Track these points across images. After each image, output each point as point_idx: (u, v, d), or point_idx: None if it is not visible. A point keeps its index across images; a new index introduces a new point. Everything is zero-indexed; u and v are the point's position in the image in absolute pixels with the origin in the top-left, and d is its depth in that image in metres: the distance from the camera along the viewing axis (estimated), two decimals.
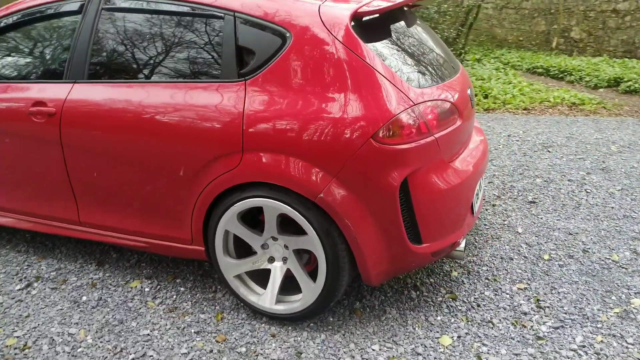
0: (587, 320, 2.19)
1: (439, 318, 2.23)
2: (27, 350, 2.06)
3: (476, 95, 6.51)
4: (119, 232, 2.47)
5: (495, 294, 2.39)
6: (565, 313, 2.24)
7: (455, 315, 2.25)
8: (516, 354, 2.00)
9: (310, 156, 1.94)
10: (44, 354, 2.03)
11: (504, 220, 3.13)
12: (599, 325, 2.16)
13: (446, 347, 2.05)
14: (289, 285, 2.18)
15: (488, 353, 2.01)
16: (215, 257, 2.23)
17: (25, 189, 2.64)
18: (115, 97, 2.26)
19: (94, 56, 2.36)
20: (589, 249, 2.77)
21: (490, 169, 3.98)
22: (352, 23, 1.99)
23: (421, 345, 2.06)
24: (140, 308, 2.32)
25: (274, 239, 2.12)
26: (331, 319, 2.23)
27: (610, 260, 2.65)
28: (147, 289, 2.46)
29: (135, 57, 2.30)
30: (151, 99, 2.17)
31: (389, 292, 2.42)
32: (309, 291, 2.09)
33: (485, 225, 3.08)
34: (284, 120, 1.96)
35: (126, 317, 2.25)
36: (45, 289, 2.48)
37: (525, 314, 2.25)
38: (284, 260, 2.15)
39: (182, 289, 2.47)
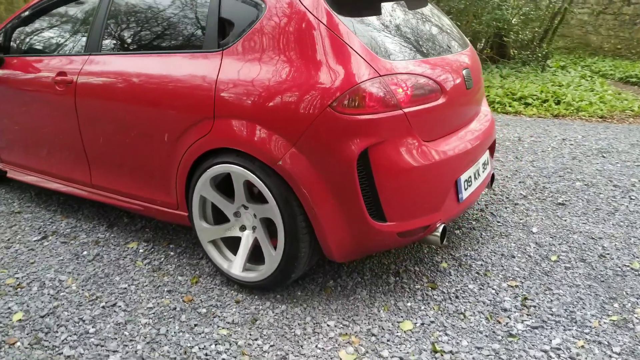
0: (573, 324, 1.97)
1: (409, 304, 2.13)
2: (19, 289, 2.27)
3: (546, 100, 6.11)
4: (120, 194, 2.64)
5: (480, 289, 2.23)
6: (551, 314, 2.03)
7: (428, 303, 2.13)
8: (478, 347, 1.85)
9: (273, 123, 1.95)
10: (31, 294, 2.23)
11: (520, 219, 2.90)
12: (586, 331, 1.93)
13: (404, 332, 1.95)
14: (261, 257, 2.20)
15: (446, 343, 1.88)
16: (192, 222, 2.31)
17: (50, 152, 2.92)
18: (114, 69, 2.45)
19: (105, 31, 2.57)
20: (608, 254, 2.48)
21: (527, 169, 3.71)
22: None
23: (379, 327, 1.98)
24: (128, 266, 2.46)
25: (245, 207, 2.15)
26: (299, 293, 2.21)
27: (628, 268, 2.35)
28: (141, 250, 2.61)
29: (132, 32, 2.47)
30: (141, 69, 2.33)
31: (367, 275, 2.35)
32: (270, 260, 2.09)
33: (497, 222, 2.87)
34: (251, 88, 1.99)
35: (113, 272, 2.41)
36: (56, 242, 2.72)
37: (505, 310, 2.07)
38: (254, 229, 2.17)
39: (172, 253, 2.58)
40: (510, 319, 2.01)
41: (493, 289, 2.22)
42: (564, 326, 1.96)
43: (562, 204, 3.09)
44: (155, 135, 2.31)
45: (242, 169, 2.03)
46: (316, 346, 1.87)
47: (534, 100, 6.27)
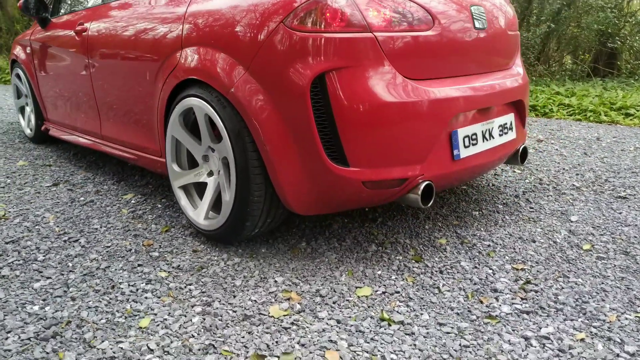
0: (580, 315, 1.50)
1: (378, 272, 1.79)
2: (2, 219, 2.31)
3: None
4: (120, 144, 2.63)
5: (474, 267, 1.82)
6: (554, 302, 1.58)
7: (401, 274, 1.78)
8: (440, 323, 1.47)
9: (229, 46, 1.77)
10: (10, 224, 2.25)
11: (560, 207, 2.39)
12: (595, 324, 1.46)
13: (358, 297, 1.62)
14: None
15: (401, 314, 1.52)
16: (166, 165, 2.19)
17: (75, 107, 3.02)
18: (111, 14, 2.45)
19: None
20: None
21: (592, 164, 3.11)
22: None
23: (331, 289, 1.68)
24: (112, 212, 2.41)
25: (212, 150, 1.99)
26: (263, 250, 1.98)
27: None
28: (133, 202, 2.55)
29: None
30: (132, 12, 2.30)
31: (347, 242, 2.04)
32: (225, 206, 1.89)
33: (530, 208, 2.39)
34: (214, 9, 1.84)
35: (95, 215, 2.37)
36: (63, 189, 2.77)
37: (495, 290, 1.65)
38: (219, 173, 1.99)
39: (159, 205, 2.49)
40: (497, 300, 1.60)
41: (491, 269, 1.80)
42: (566, 316, 1.50)
43: (624, 198, 2.50)
44: (140, 78, 2.25)
45: (202, 101, 1.87)
46: (249, 298, 1.62)
47: (638, 111, 5.40)
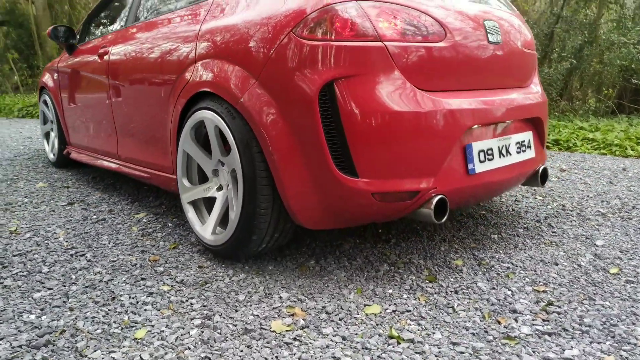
0: (608, 338, 1.38)
1: (389, 291, 1.70)
2: (14, 234, 2.31)
3: None
4: (135, 163, 2.64)
5: (492, 288, 1.71)
6: (579, 324, 1.46)
7: (414, 293, 1.68)
8: (453, 343, 1.37)
9: (239, 58, 1.77)
10: (21, 238, 2.24)
11: (585, 232, 2.27)
12: (625, 347, 1.33)
13: (366, 315, 1.53)
14: None
15: (412, 332, 1.42)
16: (177, 180, 2.17)
17: (96, 128, 3.07)
18: (131, 37, 2.52)
19: (140, 4, 2.68)
20: None
21: (618, 192, 2.98)
22: None
23: (338, 306, 1.59)
24: (121, 229, 2.39)
25: (222, 163, 1.96)
26: (270, 267, 1.91)
27: None
28: (144, 220, 2.53)
29: (153, 2, 2.55)
30: (145, 35, 2.37)
31: (357, 261, 1.96)
32: (233, 219, 1.84)
33: (553, 232, 2.28)
34: (225, 25, 1.86)
35: (105, 232, 2.35)
36: (77, 208, 2.78)
37: (514, 311, 1.54)
38: (228, 188, 1.96)
39: (170, 224, 2.46)
40: (516, 321, 1.48)
41: (510, 290, 1.69)
42: (592, 338, 1.38)
43: None
44: (154, 96, 2.28)
45: (212, 113, 1.86)
46: (251, 313, 1.55)
47: None
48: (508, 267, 1.89)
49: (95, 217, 2.60)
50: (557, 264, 1.91)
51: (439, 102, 1.67)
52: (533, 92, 2.14)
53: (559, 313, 1.53)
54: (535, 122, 2.13)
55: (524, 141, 2.04)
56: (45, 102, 4.03)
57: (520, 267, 1.89)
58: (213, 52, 1.88)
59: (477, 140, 1.81)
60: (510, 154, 1.95)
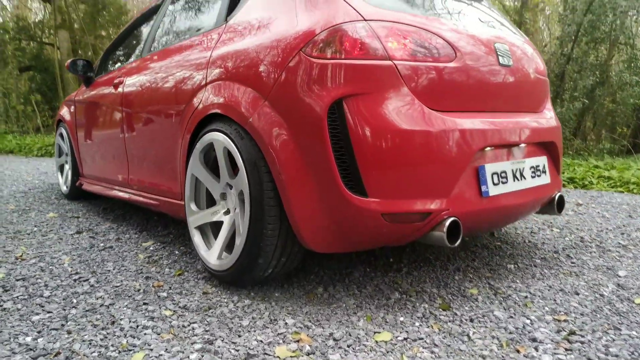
0: None
1: (401, 319, 1.61)
2: (20, 260, 2.28)
3: None
4: (145, 190, 2.63)
5: (510, 317, 1.62)
6: (604, 354, 1.36)
7: (426, 321, 1.60)
8: None
9: (249, 79, 1.78)
10: (26, 264, 2.21)
11: (605, 263, 2.17)
12: None
13: (376, 342, 1.45)
14: None
15: (423, 359, 1.34)
16: (185, 204, 2.14)
17: (108, 158, 3.09)
18: (146, 66, 2.57)
19: (154, 36, 2.75)
20: None
21: (639, 224, 2.88)
22: None
23: (346, 332, 1.51)
24: (128, 257, 2.35)
25: (230, 187, 1.94)
26: (277, 294, 1.84)
27: None
28: (151, 248, 2.49)
29: (166, 33, 2.61)
30: (159, 64, 2.42)
31: (367, 289, 1.89)
32: (239, 242, 1.79)
33: (572, 263, 2.18)
34: (236, 49, 1.88)
35: (111, 259, 2.31)
36: (86, 236, 2.75)
37: (534, 340, 1.45)
38: (235, 211, 1.92)
39: (177, 252, 2.41)
40: (536, 350, 1.39)
41: (528, 319, 1.60)
42: None
43: None
44: (165, 123, 2.30)
45: (222, 134, 1.85)
46: (255, 338, 1.47)
47: None
48: (526, 297, 1.79)
49: (102, 244, 2.56)
50: (578, 294, 1.81)
51: (450, 122, 1.64)
52: (546, 117, 2.11)
53: (582, 342, 1.43)
54: (550, 147, 2.08)
55: (538, 166, 1.99)
56: (61, 135, 4.10)
57: (539, 296, 1.80)
58: (224, 76, 1.90)
59: (490, 162, 1.76)
60: (525, 178, 1.90)
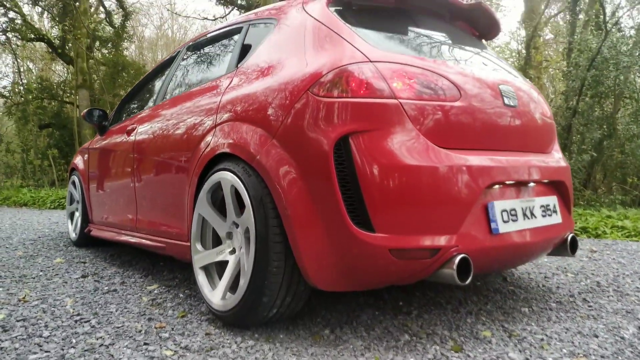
0: None
1: (410, 359, 1.54)
2: (22, 302, 2.25)
3: None
4: (151, 233, 2.63)
5: (525, 358, 1.54)
6: None
7: None
8: None
9: (257, 119, 1.82)
10: (28, 305, 2.18)
11: (624, 307, 2.09)
12: None
13: None
14: None
15: None
16: (190, 243, 2.13)
17: (119, 203, 3.12)
18: (158, 113, 2.65)
19: (167, 87, 2.85)
20: None
21: None
22: (330, 5, 1.95)
23: None
24: (131, 299, 2.31)
25: (236, 225, 1.93)
26: (281, 336, 1.78)
27: None
28: (155, 291, 2.45)
29: (179, 83, 2.71)
30: (171, 110, 2.50)
31: (376, 331, 1.82)
32: (244, 280, 1.76)
33: (589, 306, 2.10)
34: (245, 93, 1.93)
35: (114, 302, 2.27)
36: (91, 280, 2.72)
37: None
38: (241, 250, 1.90)
39: (181, 295, 2.37)
40: None
41: (542, 358, 1.52)
42: None
43: None
44: (174, 167, 2.33)
45: (230, 173, 1.87)
46: None
47: None
48: (542, 339, 1.71)
49: (106, 288, 2.53)
50: (597, 336, 1.73)
51: (456, 158, 1.64)
52: (554, 158, 2.11)
53: None
54: (559, 187, 2.06)
55: (548, 205, 1.96)
56: (73, 183, 4.16)
57: (556, 338, 1.72)
58: (233, 117, 1.94)
59: (499, 199, 1.75)
60: (535, 217, 1.87)
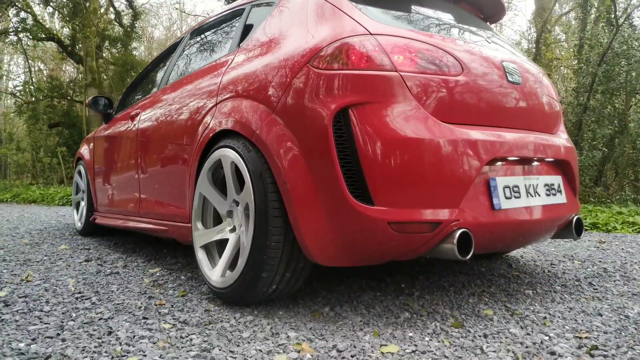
0: None
1: (410, 334, 1.52)
2: (26, 281, 2.26)
3: None
4: (154, 217, 2.63)
5: (527, 333, 1.51)
6: None
7: (437, 336, 1.50)
8: None
9: (257, 95, 1.81)
10: (30, 284, 2.19)
11: (630, 290, 2.05)
12: None
13: (382, 354, 1.36)
14: None
15: None
16: (192, 222, 2.12)
17: (122, 188, 3.13)
18: (160, 97, 2.65)
19: (170, 72, 2.85)
20: None
21: None
22: None
23: (350, 345, 1.42)
24: (133, 280, 2.31)
25: (237, 203, 1.92)
26: (281, 313, 1.77)
27: None
28: (157, 274, 2.45)
29: (183, 66, 2.71)
30: (173, 94, 2.50)
31: (376, 309, 1.80)
32: (242, 256, 1.75)
33: (594, 289, 2.07)
34: (246, 66, 1.93)
35: (115, 282, 2.27)
36: (94, 264, 2.73)
37: (552, 353, 1.34)
38: (241, 228, 1.89)
39: (182, 277, 2.37)
40: None
41: (547, 335, 1.49)
42: None
43: None
44: (176, 147, 2.33)
45: (230, 149, 1.86)
46: (254, 348, 1.40)
47: None
48: (545, 317, 1.69)
49: (109, 270, 2.53)
50: (601, 315, 1.70)
51: (457, 132, 1.62)
52: (560, 138, 2.08)
53: (605, 356, 1.32)
54: (565, 167, 2.03)
55: (553, 184, 1.93)
56: (79, 173, 4.18)
57: (559, 317, 1.69)
58: (233, 94, 1.94)
59: (502, 175, 1.72)
60: (539, 195, 1.84)
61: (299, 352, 1.37)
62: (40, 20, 15.94)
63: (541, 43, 9.81)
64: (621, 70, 7.65)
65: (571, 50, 12.00)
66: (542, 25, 9.37)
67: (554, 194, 1.92)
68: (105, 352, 1.37)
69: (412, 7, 2.06)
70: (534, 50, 10.65)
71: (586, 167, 7.40)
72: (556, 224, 1.97)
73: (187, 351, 1.37)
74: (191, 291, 2.09)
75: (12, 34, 15.18)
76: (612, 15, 8.49)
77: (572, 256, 2.84)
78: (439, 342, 1.45)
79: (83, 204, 4.07)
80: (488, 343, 1.43)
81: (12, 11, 14.66)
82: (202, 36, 2.76)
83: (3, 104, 23.02)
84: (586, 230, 4.83)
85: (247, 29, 2.21)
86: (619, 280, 2.24)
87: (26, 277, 2.31)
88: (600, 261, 2.69)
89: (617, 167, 8.39)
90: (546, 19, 9.50)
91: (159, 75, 3.17)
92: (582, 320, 1.64)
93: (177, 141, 2.33)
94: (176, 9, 22.05)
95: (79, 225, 4.09)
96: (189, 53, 2.79)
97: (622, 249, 3.16)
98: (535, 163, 1.90)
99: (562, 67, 13.17)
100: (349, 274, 2.31)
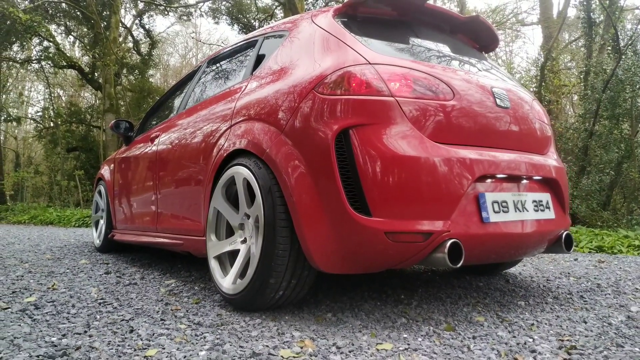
0: None
1: (404, 336, 1.66)
2: (52, 289, 2.43)
3: None
4: (170, 232, 2.81)
5: (513, 336, 1.64)
6: None
7: (429, 337, 1.64)
8: None
9: (268, 117, 2.00)
10: (56, 291, 2.36)
11: (619, 302, 2.16)
12: None
13: (377, 350, 1.50)
14: None
15: None
16: (206, 235, 2.29)
17: (141, 205, 3.32)
18: (179, 121, 2.86)
19: (189, 97, 3.07)
20: None
21: None
22: (336, 17, 2.15)
23: (349, 342, 1.56)
24: (150, 289, 2.47)
25: (247, 216, 2.09)
26: (287, 317, 1.91)
27: None
28: (172, 285, 2.61)
29: (201, 92, 2.93)
30: (190, 119, 2.71)
31: (375, 315, 1.94)
32: (252, 265, 1.91)
33: (584, 301, 2.18)
34: (258, 91, 2.12)
35: (134, 291, 2.43)
36: (113, 276, 2.90)
37: (533, 351, 1.47)
38: (251, 239, 2.06)
39: (197, 287, 2.53)
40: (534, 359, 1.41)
41: (531, 338, 1.62)
42: None
43: None
44: (193, 163, 2.52)
45: (243, 167, 2.04)
46: (262, 344, 1.55)
47: None
48: (532, 324, 1.81)
49: (127, 281, 2.70)
50: (585, 322, 1.82)
51: (448, 151, 1.79)
52: (549, 158, 2.23)
53: (582, 354, 1.44)
54: (553, 185, 2.17)
55: (541, 201, 2.08)
56: (99, 193, 4.40)
57: (546, 323, 1.81)
58: (246, 118, 2.13)
59: (491, 191, 1.87)
60: (527, 210, 1.98)
61: (301, 347, 1.52)
62: (62, 49, 16.59)
63: (547, 70, 9.99)
64: (626, 96, 7.79)
65: (577, 75, 12.17)
66: (547, 53, 9.58)
67: (542, 210, 2.06)
68: (128, 345, 1.53)
69: (411, 39, 2.25)
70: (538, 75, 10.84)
71: (592, 191, 7.48)
72: (546, 238, 2.10)
73: (202, 345, 1.52)
74: (204, 299, 2.25)
75: (35, 61, 15.80)
76: (616, 43, 8.69)
77: (568, 273, 2.95)
78: (430, 342, 1.59)
79: (102, 222, 4.27)
80: (475, 343, 1.56)
81: (35, 40, 15.28)
82: (218, 65, 2.99)
83: (23, 129, 23.74)
84: (590, 252, 4.91)
85: (259, 59, 2.42)
86: (610, 294, 2.35)
87: (52, 286, 2.49)
88: (595, 278, 2.79)
89: (624, 191, 8.43)
90: (550, 47, 9.71)
91: (178, 100, 3.40)
92: (567, 327, 1.76)
93: (194, 160, 2.52)
94: (192, 37, 22.76)
95: (97, 242, 4.28)
96: (205, 80, 3.01)
97: (620, 267, 3.26)
98: (524, 181, 2.05)
99: (573, 94, 13.33)
100: (352, 286, 2.45)
